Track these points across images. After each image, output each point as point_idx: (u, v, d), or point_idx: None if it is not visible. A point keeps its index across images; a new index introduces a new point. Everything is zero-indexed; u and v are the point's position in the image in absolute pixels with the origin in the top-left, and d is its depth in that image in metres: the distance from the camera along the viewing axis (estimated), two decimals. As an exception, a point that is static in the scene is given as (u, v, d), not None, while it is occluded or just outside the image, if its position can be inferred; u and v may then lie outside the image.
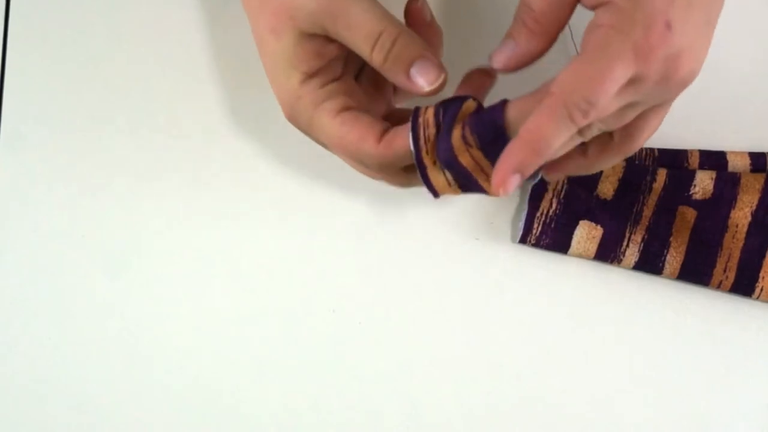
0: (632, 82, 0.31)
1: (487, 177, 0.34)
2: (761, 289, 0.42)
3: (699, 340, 0.44)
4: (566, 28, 0.42)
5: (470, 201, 0.43)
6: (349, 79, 0.37)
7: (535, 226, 0.42)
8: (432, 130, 0.34)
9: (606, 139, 0.36)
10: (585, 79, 0.31)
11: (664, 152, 0.43)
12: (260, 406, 0.42)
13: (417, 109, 0.34)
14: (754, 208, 0.43)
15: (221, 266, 0.43)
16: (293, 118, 0.36)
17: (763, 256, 0.42)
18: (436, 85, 0.34)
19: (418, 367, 0.43)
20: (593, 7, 0.32)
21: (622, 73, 0.31)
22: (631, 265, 0.42)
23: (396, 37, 0.34)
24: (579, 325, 0.43)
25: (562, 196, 0.42)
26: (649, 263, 0.42)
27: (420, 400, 0.43)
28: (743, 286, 0.42)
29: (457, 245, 0.43)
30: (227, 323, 0.42)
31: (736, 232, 0.43)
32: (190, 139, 0.43)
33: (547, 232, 0.42)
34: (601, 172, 0.43)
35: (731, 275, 0.42)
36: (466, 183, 0.34)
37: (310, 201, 0.43)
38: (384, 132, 0.35)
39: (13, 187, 0.42)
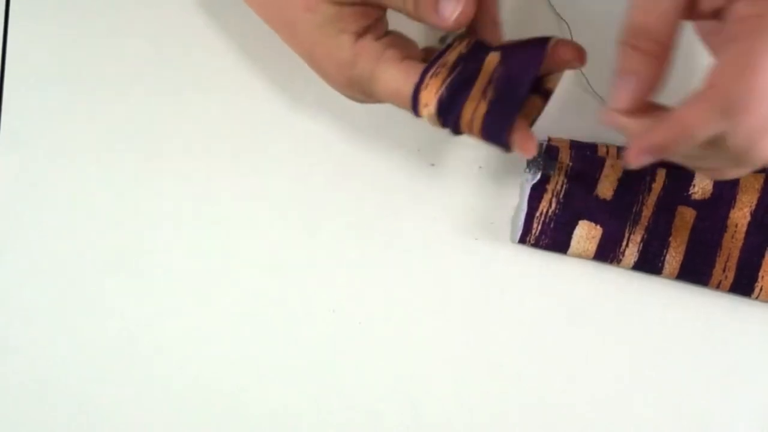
0: None
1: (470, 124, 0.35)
2: (760, 289, 0.42)
3: (699, 340, 0.44)
4: (567, 29, 0.43)
5: (470, 201, 0.43)
6: (397, 32, 0.37)
7: (535, 226, 0.42)
8: (444, 69, 0.35)
9: None
10: (743, 70, 0.29)
11: None
12: (260, 406, 0.42)
13: (441, 52, 0.35)
14: (753, 207, 0.43)
15: (221, 266, 0.43)
16: (351, 81, 0.36)
17: (762, 256, 0.42)
18: (458, 12, 0.34)
19: (418, 367, 0.43)
20: (721, 8, 0.31)
21: None
22: (631, 265, 0.43)
23: None
24: (579, 325, 0.43)
25: (561, 196, 0.42)
26: (649, 263, 0.42)
27: (420, 400, 0.43)
28: (742, 286, 0.42)
29: (457, 245, 0.43)
30: (227, 323, 0.42)
31: (735, 232, 0.43)
32: (190, 139, 0.43)
33: (547, 232, 0.42)
34: (600, 171, 0.43)
35: (730, 275, 0.42)
36: (448, 121, 0.35)
37: (310, 201, 0.43)
38: None
39: (12, 187, 0.42)
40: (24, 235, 0.42)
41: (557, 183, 0.42)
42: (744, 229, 0.43)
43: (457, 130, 0.36)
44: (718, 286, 0.43)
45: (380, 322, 0.43)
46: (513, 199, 0.43)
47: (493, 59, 0.35)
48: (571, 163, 0.42)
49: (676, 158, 0.34)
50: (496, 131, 0.35)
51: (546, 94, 0.37)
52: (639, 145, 0.32)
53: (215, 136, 0.43)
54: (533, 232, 0.42)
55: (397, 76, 0.35)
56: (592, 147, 0.43)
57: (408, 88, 0.35)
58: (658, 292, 0.44)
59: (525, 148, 0.35)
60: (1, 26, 0.43)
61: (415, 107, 0.35)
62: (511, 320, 0.43)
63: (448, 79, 0.35)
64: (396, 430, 0.42)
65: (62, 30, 0.43)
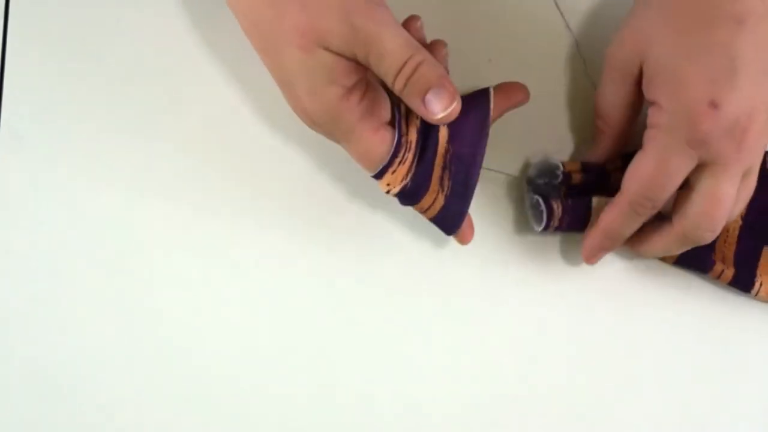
0: (707, 165, 0.35)
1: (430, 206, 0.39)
2: (760, 285, 0.42)
3: (699, 340, 0.44)
4: (574, 41, 0.43)
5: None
6: (373, 88, 0.38)
7: (555, 207, 0.41)
8: (410, 155, 0.38)
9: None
10: (645, 179, 0.36)
11: None
12: (260, 405, 0.42)
13: (400, 119, 0.38)
14: (743, 212, 0.42)
15: (221, 267, 0.43)
16: (324, 125, 0.37)
17: (758, 259, 0.42)
18: (447, 111, 0.35)
19: (418, 367, 0.43)
20: (649, 103, 0.36)
21: (678, 167, 0.35)
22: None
23: (418, 64, 0.34)
24: (579, 324, 0.43)
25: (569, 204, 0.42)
26: None
27: (420, 400, 0.43)
28: (742, 282, 0.43)
29: (457, 245, 0.43)
30: (227, 323, 0.42)
31: (727, 237, 0.42)
32: (190, 139, 0.43)
33: (567, 210, 0.41)
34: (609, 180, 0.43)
35: (729, 273, 0.42)
36: (406, 202, 0.39)
37: (309, 201, 0.43)
38: None
39: (12, 187, 0.42)
40: (24, 235, 0.42)
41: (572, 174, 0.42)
42: (736, 233, 0.42)
43: (406, 205, 0.39)
44: (719, 277, 0.43)
45: (380, 322, 0.43)
46: (513, 199, 0.44)
47: (443, 135, 0.38)
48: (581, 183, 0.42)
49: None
50: (448, 224, 0.40)
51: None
52: (585, 252, 0.40)
53: (215, 136, 0.43)
54: (555, 214, 0.41)
55: (370, 144, 0.37)
56: (602, 168, 0.42)
57: (376, 158, 0.37)
58: (659, 292, 0.44)
59: (464, 240, 0.41)
60: (1, 26, 0.43)
61: (377, 177, 0.38)
62: (511, 320, 0.43)
63: (412, 170, 0.38)
64: (396, 429, 0.42)
65: (62, 30, 0.43)
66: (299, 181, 0.43)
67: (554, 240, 0.44)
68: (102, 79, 0.43)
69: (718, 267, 0.42)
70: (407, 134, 0.38)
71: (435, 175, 0.38)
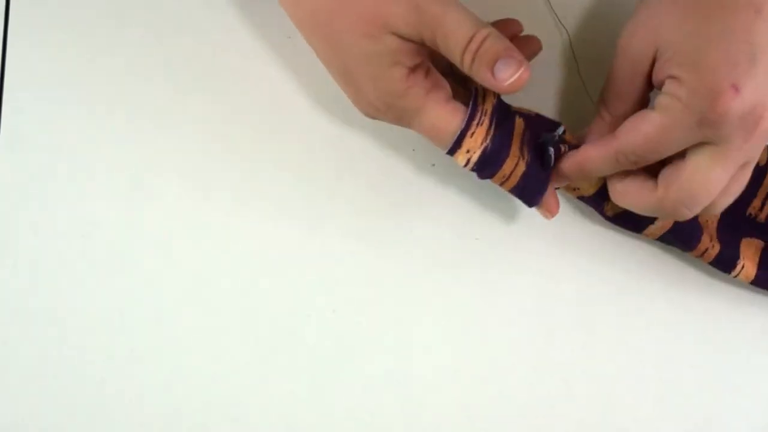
0: (708, 145, 0.35)
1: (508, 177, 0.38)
2: (742, 267, 0.42)
3: (699, 340, 0.44)
4: (567, 36, 0.43)
5: (470, 201, 0.44)
6: (435, 70, 0.38)
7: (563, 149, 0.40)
8: (487, 119, 0.37)
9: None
10: (643, 137, 0.36)
11: None
12: (260, 406, 0.42)
13: (476, 95, 0.38)
14: None
15: (221, 266, 0.43)
16: (392, 109, 0.37)
17: (739, 240, 0.43)
18: (516, 76, 0.35)
19: (418, 367, 0.43)
20: (662, 82, 0.36)
21: (680, 140, 0.35)
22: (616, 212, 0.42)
23: (483, 38, 0.35)
24: (579, 324, 0.44)
25: None
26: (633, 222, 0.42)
27: (420, 399, 0.43)
28: (724, 262, 0.43)
29: (457, 245, 0.43)
30: (227, 323, 0.42)
31: (707, 221, 0.43)
32: (190, 139, 0.43)
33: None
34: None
35: (713, 251, 0.42)
36: (485, 171, 0.38)
37: (309, 201, 0.43)
38: None
39: (13, 187, 0.42)
40: (24, 235, 0.42)
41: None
42: (714, 225, 0.43)
43: (485, 177, 0.38)
44: (702, 255, 0.43)
45: (380, 322, 0.43)
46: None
47: (520, 123, 0.38)
48: None
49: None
50: (530, 192, 0.39)
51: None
52: (555, 171, 0.39)
53: (216, 136, 0.43)
54: None
55: (442, 116, 0.37)
56: None
57: (451, 129, 0.37)
58: (659, 291, 0.44)
59: (551, 211, 0.40)
60: (2, 26, 0.43)
61: (453, 149, 0.37)
62: (511, 320, 0.43)
63: (491, 132, 0.37)
64: (396, 429, 0.42)
65: (62, 30, 0.43)
66: (299, 182, 0.43)
67: (554, 240, 0.44)
68: (102, 79, 0.43)
69: (704, 243, 0.42)
70: (483, 104, 0.38)
71: (514, 143, 0.38)
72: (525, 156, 0.38)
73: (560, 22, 0.44)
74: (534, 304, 0.44)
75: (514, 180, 0.38)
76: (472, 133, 0.37)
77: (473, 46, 0.35)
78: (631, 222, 0.42)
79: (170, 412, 0.42)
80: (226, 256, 0.43)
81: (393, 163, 0.43)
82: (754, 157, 0.36)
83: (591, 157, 0.38)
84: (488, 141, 0.37)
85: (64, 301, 0.42)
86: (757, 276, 0.43)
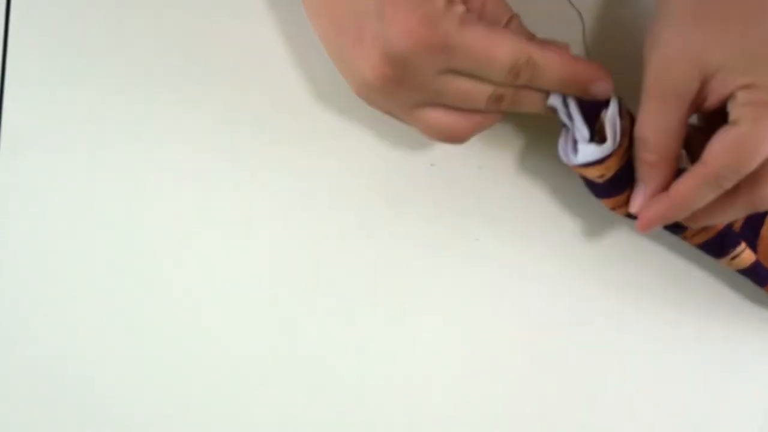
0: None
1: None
2: (731, 258, 0.42)
3: (699, 340, 0.44)
4: (580, 18, 0.42)
5: (470, 201, 0.43)
6: None
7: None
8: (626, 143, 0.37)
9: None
10: (738, 153, 0.35)
11: None
12: (259, 406, 0.42)
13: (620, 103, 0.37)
14: None
15: (221, 266, 0.43)
16: (436, 31, 0.34)
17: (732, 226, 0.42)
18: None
19: (418, 367, 0.43)
20: (723, 99, 0.35)
21: None
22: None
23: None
24: (579, 324, 0.43)
25: None
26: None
27: (420, 399, 0.43)
28: (715, 249, 0.42)
29: (457, 245, 0.43)
30: (227, 323, 0.42)
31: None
32: (190, 140, 0.43)
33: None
34: None
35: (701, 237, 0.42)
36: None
37: (309, 201, 0.43)
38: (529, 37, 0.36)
39: (13, 189, 0.42)
40: (24, 235, 0.42)
41: None
42: None
43: (603, 196, 0.39)
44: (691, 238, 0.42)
45: (380, 322, 0.43)
46: (513, 199, 0.43)
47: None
48: None
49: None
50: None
51: None
52: (645, 217, 0.38)
53: (216, 137, 0.43)
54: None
55: (482, 32, 0.35)
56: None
57: (503, 54, 0.35)
58: (659, 292, 0.44)
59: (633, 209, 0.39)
60: (2, 26, 0.43)
61: (597, 163, 0.37)
62: (511, 320, 0.43)
63: (628, 157, 0.38)
64: (396, 429, 0.42)
65: (63, 30, 0.43)
66: (299, 182, 0.43)
67: (554, 240, 0.44)
68: (102, 80, 0.43)
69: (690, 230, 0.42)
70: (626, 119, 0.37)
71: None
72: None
73: (573, 4, 0.43)
74: (534, 304, 0.43)
75: (626, 209, 0.39)
76: (617, 154, 0.37)
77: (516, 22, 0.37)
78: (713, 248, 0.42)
79: (169, 412, 0.42)
80: (225, 256, 0.43)
81: (392, 163, 0.43)
82: None
83: (686, 191, 0.37)
84: (625, 162, 0.37)
85: (63, 301, 0.42)
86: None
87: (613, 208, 0.39)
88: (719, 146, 0.35)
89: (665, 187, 0.38)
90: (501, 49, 0.35)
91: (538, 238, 0.44)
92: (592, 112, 0.37)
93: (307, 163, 0.43)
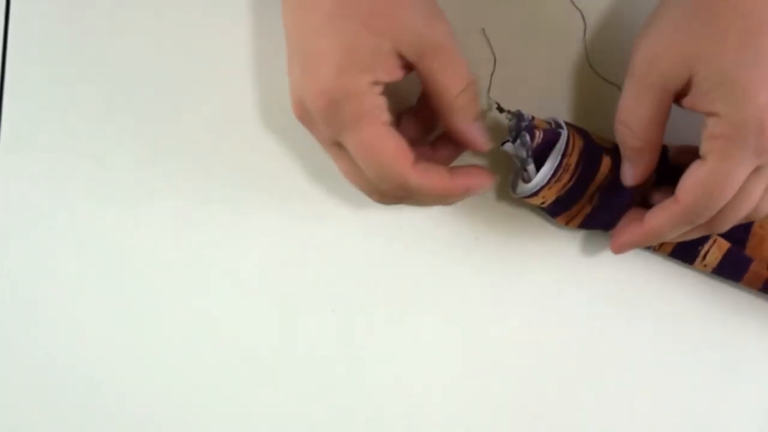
0: (756, 170, 0.35)
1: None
2: (703, 258, 0.43)
3: (699, 340, 0.44)
4: (581, 18, 0.42)
5: (470, 201, 0.43)
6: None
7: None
8: (566, 178, 0.39)
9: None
10: (708, 189, 0.35)
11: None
12: (259, 406, 0.42)
13: (564, 152, 0.39)
14: None
15: (221, 266, 0.43)
16: (334, 108, 0.35)
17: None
18: (488, 147, 0.38)
19: (417, 367, 0.43)
20: (699, 111, 0.36)
21: (742, 175, 0.35)
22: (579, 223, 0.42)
23: (478, 91, 0.37)
24: (579, 324, 0.43)
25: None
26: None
27: (419, 400, 0.43)
28: (684, 253, 0.43)
29: (457, 245, 0.43)
30: (227, 323, 0.42)
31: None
32: (190, 140, 0.43)
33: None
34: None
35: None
36: (553, 211, 0.41)
37: (310, 201, 0.43)
38: (415, 160, 0.36)
39: (13, 190, 0.42)
40: (24, 235, 0.42)
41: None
42: None
43: (552, 215, 0.41)
44: (659, 249, 0.43)
45: (380, 322, 0.43)
46: (513, 199, 0.43)
47: (606, 165, 0.39)
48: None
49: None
50: (590, 226, 0.41)
51: None
52: (619, 242, 0.40)
53: (216, 136, 0.43)
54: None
55: (372, 132, 0.35)
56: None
57: (386, 153, 0.35)
58: (659, 292, 0.44)
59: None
60: (2, 26, 0.43)
61: (530, 196, 0.39)
62: (511, 320, 0.43)
63: (568, 185, 0.39)
64: (397, 430, 0.43)
65: (63, 30, 0.43)
66: (299, 182, 0.43)
67: (553, 239, 0.44)
68: (102, 80, 0.43)
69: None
70: (569, 157, 0.39)
71: (590, 189, 0.40)
72: (594, 200, 0.40)
73: (575, 4, 0.43)
74: (534, 304, 0.43)
75: (579, 220, 0.41)
76: (550, 187, 0.39)
77: (472, 91, 0.36)
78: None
79: (169, 413, 0.42)
80: (225, 256, 0.43)
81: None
82: None
83: (658, 226, 0.38)
84: (563, 192, 0.39)
85: (62, 302, 0.42)
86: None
87: (566, 224, 0.41)
88: (690, 182, 0.36)
89: (651, 167, 0.39)
90: (379, 159, 0.35)
91: (539, 237, 0.44)
92: (545, 150, 0.39)
93: (306, 163, 0.43)
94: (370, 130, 0.35)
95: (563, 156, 0.38)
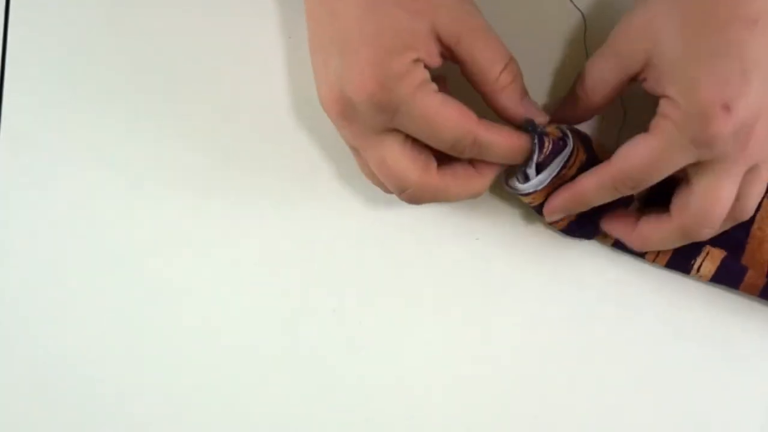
0: (707, 163, 0.35)
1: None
2: (698, 268, 0.43)
3: (699, 340, 0.44)
4: (582, 19, 0.43)
5: (470, 201, 0.43)
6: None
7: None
8: (582, 152, 0.39)
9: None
10: (639, 161, 0.36)
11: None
12: (260, 406, 0.42)
13: (563, 167, 0.39)
14: None
15: (221, 266, 0.43)
16: (385, 91, 0.34)
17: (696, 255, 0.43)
18: (546, 119, 0.38)
19: (418, 367, 0.43)
20: (654, 94, 0.36)
21: (676, 162, 0.35)
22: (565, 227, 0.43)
23: (519, 68, 0.37)
24: (578, 324, 0.43)
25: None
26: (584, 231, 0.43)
27: (420, 400, 0.43)
28: (680, 263, 0.43)
29: (457, 245, 0.43)
30: (227, 323, 0.42)
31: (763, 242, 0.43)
32: (190, 138, 0.43)
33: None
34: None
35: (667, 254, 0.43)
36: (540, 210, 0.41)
37: (310, 201, 0.43)
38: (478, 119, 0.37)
39: (13, 189, 0.42)
40: (24, 235, 0.42)
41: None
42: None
43: (540, 214, 0.41)
44: (654, 260, 0.43)
45: (380, 322, 0.43)
46: (514, 198, 0.43)
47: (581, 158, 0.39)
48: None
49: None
50: (575, 234, 0.42)
51: None
52: (551, 205, 0.40)
53: (217, 136, 0.43)
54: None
55: (431, 103, 0.35)
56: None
57: (449, 124, 0.36)
58: (659, 292, 0.44)
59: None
60: (1, 26, 0.43)
61: (521, 195, 0.40)
62: (511, 320, 0.43)
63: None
64: (396, 430, 0.42)
65: (63, 30, 0.43)
66: (299, 182, 0.43)
67: (553, 239, 0.44)
68: (102, 79, 0.43)
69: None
70: (566, 168, 0.39)
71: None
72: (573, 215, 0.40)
73: (576, 5, 0.44)
74: (535, 303, 0.43)
75: (563, 224, 0.41)
76: (540, 192, 0.39)
77: (514, 69, 0.37)
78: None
79: (169, 412, 0.42)
80: (225, 255, 0.43)
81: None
82: (760, 159, 0.37)
83: (588, 186, 0.38)
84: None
85: (62, 301, 0.42)
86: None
87: (553, 222, 0.42)
88: (624, 150, 0.36)
89: (576, 119, 0.40)
90: (447, 125, 0.36)
91: (539, 237, 0.44)
92: (549, 156, 0.39)
93: (306, 163, 0.43)
94: (429, 101, 0.35)
95: (563, 168, 0.38)
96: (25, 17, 0.43)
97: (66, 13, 0.43)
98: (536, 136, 0.38)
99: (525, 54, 0.41)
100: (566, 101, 0.40)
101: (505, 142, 0.37)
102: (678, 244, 0.39)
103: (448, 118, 0.35)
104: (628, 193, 0.37)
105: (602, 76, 0.38)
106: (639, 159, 0.36)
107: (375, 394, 0.42)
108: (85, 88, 0.43)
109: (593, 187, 0.38)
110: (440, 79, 0.38)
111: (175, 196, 0.43)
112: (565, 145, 0.38)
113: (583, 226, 0.42)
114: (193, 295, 0.42)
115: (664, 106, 0.35)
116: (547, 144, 0.38)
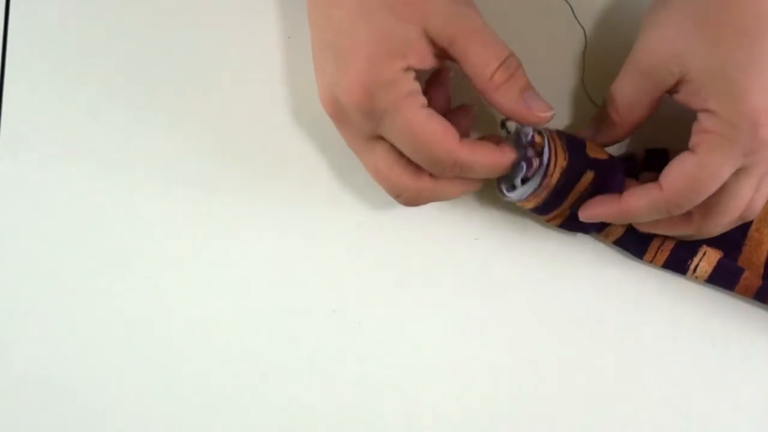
0: (741, 170, 0.36)
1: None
2: (695, 268, 0.43)
3: (699, 340, 0.44)
4: (583, 34, 0.43)
5: (470, 201, 0.43)
6: None
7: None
8: (544, 195, 0.39)
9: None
10: (693, 182, 0.36)
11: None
12: (260, 406, 0.42)
13: (545, 171, 0.38)
14: None
15: (221, 266, 0.43)
16: (371, 99, 0.35)
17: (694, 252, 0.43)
18: (550, 113, 0.37)
19: (418, 368, 0.43)
20: (692, 108, 0.36)
21: (727, 173, 0.35)
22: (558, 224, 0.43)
23: (518, 64, 0.37)
24: (578, 324, 0.43)
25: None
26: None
27: (420, 400, 0.43)
28: (677, 264, 0.43)
29: (457, 245, 0.43)
30: (227, 323, 0.42)
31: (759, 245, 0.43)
32: (191, 140, 0.43)
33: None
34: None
35: (665, 253, 0.43)
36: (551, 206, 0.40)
37: (310, 201, 0.43)
38: (460, 138, 0.36)
39: (13, 189, 0.42)
40: (24, 235, 0.42)
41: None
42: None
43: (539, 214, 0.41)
44: (651, 261, 0.43)
45: (380, 322, 0.43)
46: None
47: (587, 178, 0.39)
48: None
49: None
50: (574, 229, 0.42)
51: None
52: (592, 212, 0.39)
53: (217, 137, 0.43)
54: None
55: (415, 116, 0.35)
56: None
57: (429, 137, 0.35)
58: (659, 292, 0.44)
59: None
60: (1, 26, 0.43)
61: (513, 200, 0.39)
62: (511, 320, 0.43)
63: (549, 196, 0.39)
64: (396, 430, 0.42)
65: (63, 30, 0.43)
66: (299, 183, 0.43)
67: (553, 239, 0.44)
68: (102, 79, 0.43)
69: (652, 250, 0.43)
70: (550, 177, 0.38)
71: (569, 198, 0.40)
72: (572, 206, 0.40)
73: (578, 21, 0.44)
74: (534, 303, 0.43)
75: (557, 221, 0.42)
76: (528, 200, 0.39)
77: (511, 66, 0.36)
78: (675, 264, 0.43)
79: (168, 412, 0.42)
80: (226, 256, 0.43)
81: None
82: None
83: (637, 206, 0.38)
84: (540, 203, 0.39)
85: (62, 301, 0.42)
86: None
87: (547, 221, 0.42)
88: (675, 172, 0.36)
89: (614, 141, 0.40)
90: (428, 141, 0.35)
91: (539, 237, 0.44)
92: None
93: (306, 164, 0.43)
94: (412, 115, 0.35)
95: (544, 177, 0.38)
96: (25, 17, 0.43)
97: (66, 13, 0.43)
98: (524, 162, 0.38)
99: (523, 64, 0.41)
100: (600, 127, 0.40)
101: (486, 161, 0.37)
102: (658, 216, 0.39)
103: (431, 133, 0.35)
104: (678, 213, 0.37)
105: (634, 96, 0.38)
106: (692, 180, 0.36)
107: (375, 394, 0.42)
108: (84, 88, 0.43)
109: (644, 208, 0.38)
110: (443, 70, 0.39)
111: (175, 196, 0.43)
112: (547, 159, 0.38)
113: (581, 221, 0.41)
114: (193, 295, 0.42)
115: (705, 121, 0.35)
116: (535, 164, 0.38)
